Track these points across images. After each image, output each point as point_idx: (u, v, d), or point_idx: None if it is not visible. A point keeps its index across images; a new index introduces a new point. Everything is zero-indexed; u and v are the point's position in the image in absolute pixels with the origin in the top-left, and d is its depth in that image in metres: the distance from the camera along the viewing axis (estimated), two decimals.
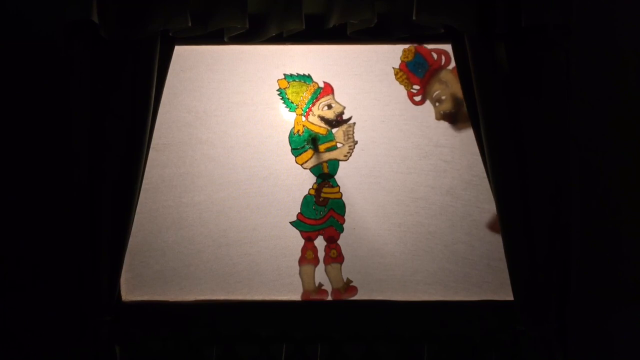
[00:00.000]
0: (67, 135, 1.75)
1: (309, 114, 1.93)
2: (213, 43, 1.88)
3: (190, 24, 1.68)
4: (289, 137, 1.92)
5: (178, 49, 1.82)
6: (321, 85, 1.92)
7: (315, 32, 1.77)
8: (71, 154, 1.74)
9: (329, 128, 1.93)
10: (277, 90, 1.92)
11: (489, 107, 1.73)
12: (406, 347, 1.87)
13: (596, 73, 1.86)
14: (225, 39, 1.75)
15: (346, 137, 1.92)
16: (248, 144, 1.92)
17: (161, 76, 1.77)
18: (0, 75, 1.84)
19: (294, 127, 1.92)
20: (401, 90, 1.92)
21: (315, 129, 1.92)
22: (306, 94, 1.92)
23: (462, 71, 1.79)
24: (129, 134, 1.73)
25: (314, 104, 1.92)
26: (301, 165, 1.92)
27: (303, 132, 1.92)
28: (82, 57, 1.72)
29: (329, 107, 1.91)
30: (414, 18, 1.66)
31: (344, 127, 1.92)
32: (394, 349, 1.87)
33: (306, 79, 1.92)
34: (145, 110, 1.73)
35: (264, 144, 1.92)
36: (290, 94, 1.92)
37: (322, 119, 1.92)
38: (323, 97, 1.92)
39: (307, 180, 1.93)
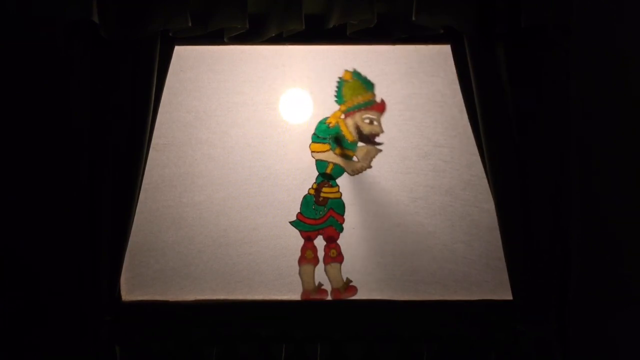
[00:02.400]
0: (67, 134, 1.75)
1: (349, 116, 1.92)
2: (213, 43, 1.88)
3: (190, 24, 1.68)
4: (319, 123, 1.91)
5: (178, 49, 1.82)
6: (378, 100, 1.91)
7: (315, 32, 1.77)
8: (71, 153, 1.74)
9: (357, 140, 1.92)
10: (338, 78, 1.91)
11: (489, 108, 1.73)
12: (406, 347, 1.87)
13: (596, 73, 1.86)
14: (225, 39, 1.75)
15: (365, 157, 1.91)
16: (248, 144, 1.92)
17: (161, 76, 1.77)
18: (0, 75, 1.84)
19: (329, 117, 1.92)
20: (400, 90, 1.92)
21: (346, 133, 1.92)
22: (360, 98, 1.91)
23: (461, 72, 1.79)
24: (129, 134, 1.73)
25: (359, 110, 1.92)
26: (311, 153, 1.92)
27: (334, 126, 1.91)
28: (82, 57, 1.72)
29: (371, 122, 1.90)
30: (413, 19, 1.66)
31: (370, 147, 1.91)
32: (394, 349, 1.87)
33: (369, 85, 1.91)
34: (145, 110, 1.73)
35: (264, 144, 1.92)
36: (346, 88, 1.91)
37: (357, 128, 1.91)
38: (372, 110, 1.91)
39: (307, 180, 1.93)
